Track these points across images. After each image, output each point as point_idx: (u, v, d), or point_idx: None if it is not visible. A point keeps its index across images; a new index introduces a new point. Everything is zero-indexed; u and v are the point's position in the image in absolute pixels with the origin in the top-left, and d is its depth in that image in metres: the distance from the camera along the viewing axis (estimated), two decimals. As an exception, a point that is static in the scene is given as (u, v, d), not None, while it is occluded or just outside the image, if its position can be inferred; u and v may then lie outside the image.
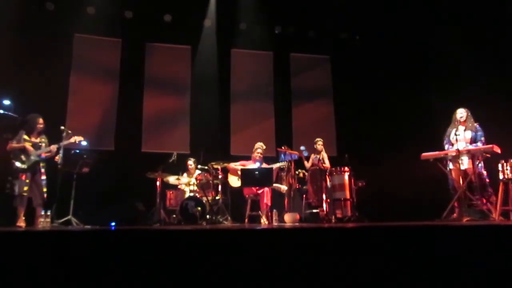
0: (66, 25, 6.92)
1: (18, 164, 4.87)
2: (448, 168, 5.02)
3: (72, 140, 5.12)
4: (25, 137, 5.01)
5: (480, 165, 4.86)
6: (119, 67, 7.29)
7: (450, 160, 4.99)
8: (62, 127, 5.27)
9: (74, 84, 7.01)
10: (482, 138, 4.91)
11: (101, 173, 5.77)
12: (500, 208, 4.57)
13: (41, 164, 5.04)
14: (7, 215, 4.86)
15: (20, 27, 6.40)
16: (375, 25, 7.66)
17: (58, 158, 5.07)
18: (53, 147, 5.07)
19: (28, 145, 4.96)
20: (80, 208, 5.24)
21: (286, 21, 7.93)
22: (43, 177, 5.03)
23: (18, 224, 4.75)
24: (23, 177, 4.86)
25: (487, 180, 4.84)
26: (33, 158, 4.96)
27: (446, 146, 5.14)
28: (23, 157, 4.91)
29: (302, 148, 5.91)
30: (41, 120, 5.13)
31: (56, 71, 6.66)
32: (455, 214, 4.86)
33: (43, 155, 5.05)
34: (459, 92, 6.20)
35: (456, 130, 4.95)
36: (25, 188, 4.84)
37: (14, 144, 4.94)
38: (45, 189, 5.00)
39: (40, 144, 5.09)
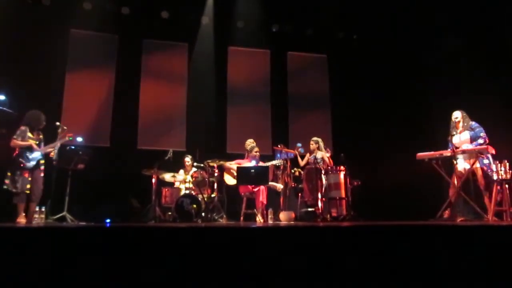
0: (62, 20, 6.87)
1: (25, 162, 4.79)
2: (454, 170, 4.98)
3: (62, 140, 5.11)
4: (29, 134, 4.94)
5: (487, 161, 4.84)
6: (115, 63, 7.24)
7: (453, 162, 4.95)
8: (58, 123, 5.25)
9: (70, 80, 6.97)
10: (482, 134, 4.85)
11: (96, 169, 5.74)
12: (494, 209, 4.61)
13: (42, 161, 5.01)
14: (4, 211, 4.82)
15: (15, 22, 6.35)
16: (372, 24, 7.67)
17: (53, 154, 5.05)
18: (58, 143, 5.06)
19: (34, 144, 4.91)
20: (75, 204, 5.22)
21: (283, 20, 7.92)
22: (42, 174, 4.99)
23: (18, 220, 4.70)
24: (26, 174, 4.80)
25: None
26: (37, 155, 4.92)
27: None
28: (28, 155, 4.84)
29: (298, 144, 5.91)
30: (44, 117, 5.09)
31: (52, 67, 6.61)
32: (448, 214, 4.88)
33: (46, 151, 5.02)
34: (455, 93, 6.22)
35: (453, 133, 4.98)
36: (28, 186, 4.77)
37: (19, 142, 4.83)
38: (42, 186, 4.97)
39: (40, 141, 5.04)
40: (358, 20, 7.75)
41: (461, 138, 4.98)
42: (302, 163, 6.14)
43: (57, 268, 1.90)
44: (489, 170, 4.80)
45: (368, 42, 7.88)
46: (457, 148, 4.95)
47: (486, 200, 4.79)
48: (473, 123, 4.99)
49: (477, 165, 4.85)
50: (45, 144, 5.06)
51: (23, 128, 4.90)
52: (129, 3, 7.23)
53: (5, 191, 4.77)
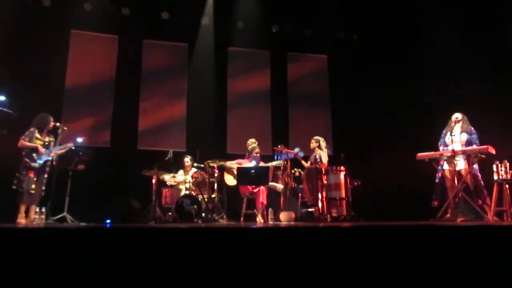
0: (63, 21, 6.88)
1: (30, 162, 4.84)
2: (441, 168, 5.03)
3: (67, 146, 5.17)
4: (37, 135, 4.99)
5: (475, 167, 4.88)
6: (115, 63, 7.25)
7: (445, 161, 5.01)
8: (58, 124, 5.26)
9: (70, 80, 6.98)
10: (477, 141, 4.92)
11: (96, 170, 5.74)
12: (495, 209, 4.61)
13: (47, 163, 5.02)
14: (4, 211, 4.83)
15: (16, 22, 6.36)
16: (372, 24, 7.67)
17: (53, 154, 5.06)
18: (69, 145, 5.14)
19: (40, 146, 4.94)
20: (75, 205, 5.22)
21: (283, 20, 7.93)
22: (45, 175, 5.01)
23: (18, 220, 4.72)
24: (32, 175, 4.84)
25: (482, 182, 4.86)
26: (43, 158, 4.95)
27: (441, 148, 5.14)
28: (34, 156, 4.88)
29: (296, 150, 5.86)
30: (52, 119, 5.15)
31: (52, 67, 6.63)
32: (448, 214, 4.88)
33: (51, 155, 5.04)
34: (455, 93, 6.22)
35: (452, 131, 4.96)
36: (33, 186, 4.81)
37: (26, 143, 4.89)
38: (43, 188, 4.99)
39: (48, 143, 5.07)
40: (358, 20, 7.75)
41: (461, 138, 4.97)
42: (307, 164, 6.10)
43: (57, 268, 1.90)
44: (476, 174, 4.87)
45: (368, 42, 7.88)
46: (447, 145, 4.96)
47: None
48: (472, 128, 5.00)
49: (464, 166, 4.87)
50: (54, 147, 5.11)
51: (32, 129, 4.98)
52: (129, 4, 7.24)
53: (5, 192, 4.79)
